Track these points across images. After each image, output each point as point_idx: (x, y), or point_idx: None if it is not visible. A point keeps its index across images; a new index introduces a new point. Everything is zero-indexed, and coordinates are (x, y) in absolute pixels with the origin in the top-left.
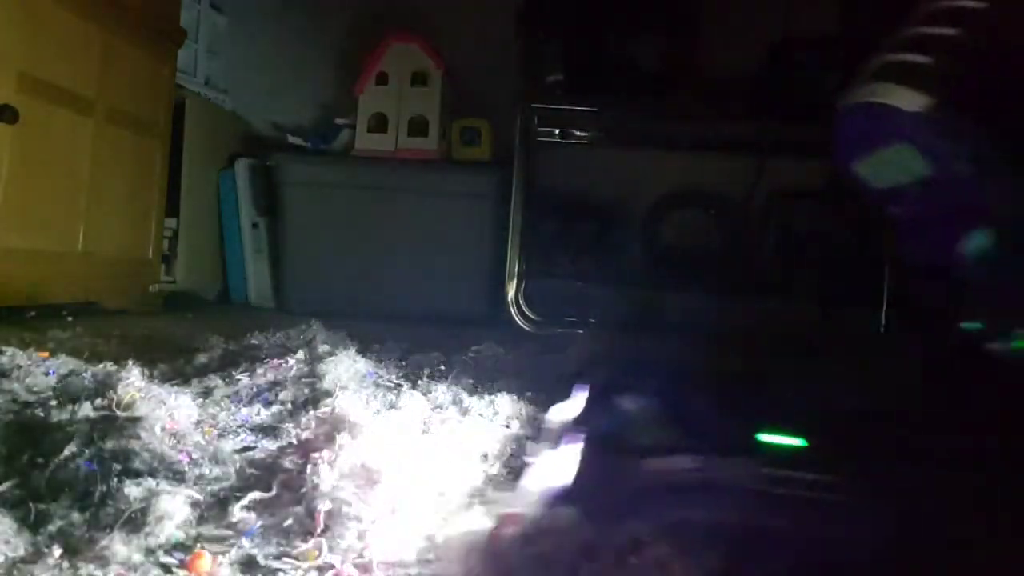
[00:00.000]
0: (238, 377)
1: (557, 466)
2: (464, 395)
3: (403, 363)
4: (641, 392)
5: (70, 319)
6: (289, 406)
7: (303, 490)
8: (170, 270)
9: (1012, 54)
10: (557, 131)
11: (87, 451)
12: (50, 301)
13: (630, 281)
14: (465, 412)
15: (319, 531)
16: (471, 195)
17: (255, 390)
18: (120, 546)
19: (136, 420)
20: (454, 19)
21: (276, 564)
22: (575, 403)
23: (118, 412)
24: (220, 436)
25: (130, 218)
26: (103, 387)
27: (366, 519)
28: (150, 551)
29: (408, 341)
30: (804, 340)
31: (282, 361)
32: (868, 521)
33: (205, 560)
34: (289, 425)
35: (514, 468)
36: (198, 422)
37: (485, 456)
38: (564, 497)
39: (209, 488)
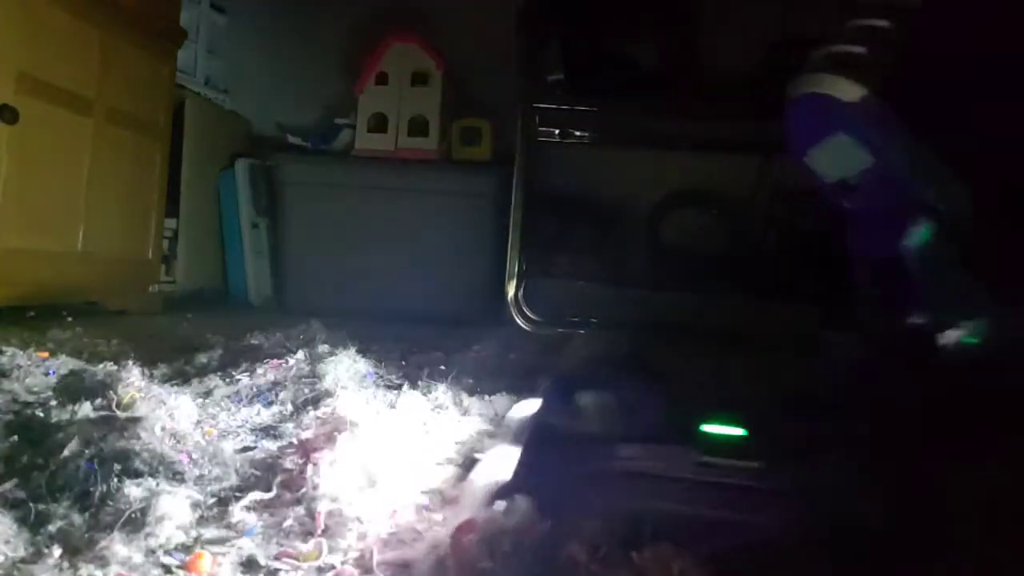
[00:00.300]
0: (238, 377)
1: (507, 460)
2: (464, 395)
3: (403, 363)
4: (595, 386)
5: (70, 319)
6: (289, 406)
7: (303, 490)
8: (170, 270)
9: (942, 47)
10: (557, 131)
11: (87, 451)
12: (50, 301)
13: (630, 281)
14: (465, 412)
15: (319, 531)
16: (471, 195)
17: (255, 390)
18: (120, 546)
19: (136, 420)
20: (454, 19)
21: (276, 564)
22: (535, 400)
23: (118, 412)
24: (220, 436)
25: (130, 218)
26: (103, 387)
27: (366, 519)
28: (150, 551)
29: (408, 341)
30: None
31: (282, 361)
32: (790, 507)
33: (205, 560)
34: (289, 425)
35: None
36: (198, 422)
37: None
38: (512, 489)
39: (209, 488)
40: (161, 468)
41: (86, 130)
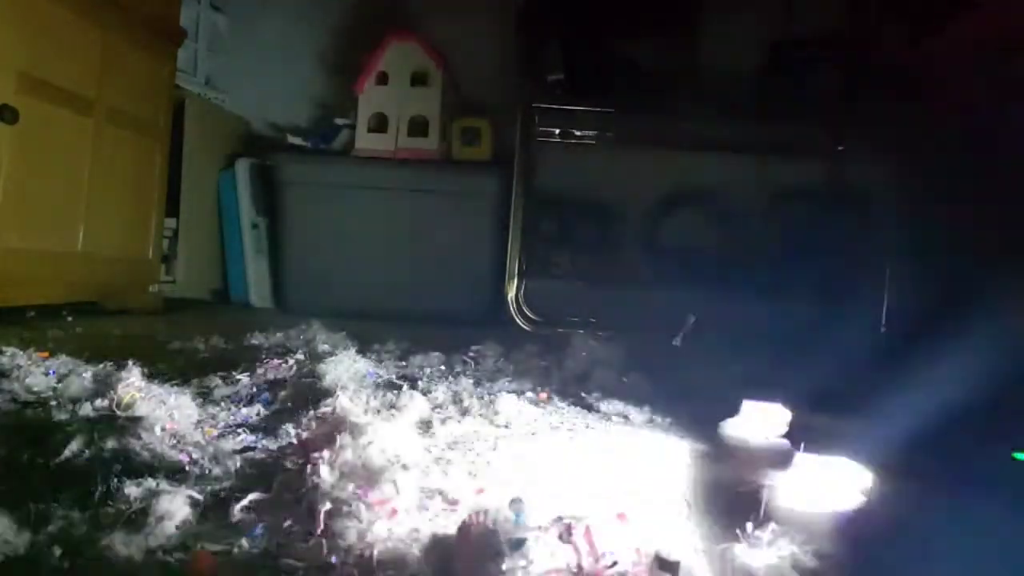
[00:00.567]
0: (238, 377)
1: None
2: (464, 395)
3: (403, 363)
4: None
5: (70, 319)
6: (289, 406)
7: (303, 490)
8: (170, 270)
9: None
10: (557, 131)
11: (87, 451)
12: (50, 301)
13: (630, 281)
14: (465, 412)
15: (319, 531)
16: (471, 195)
17: (255, 390)
18: (120, 546)
19: (136, 420)
20: (454, 19)
21: (276, 564)
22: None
23: (118, 412)
24: (220, 436)
25: (130, 218)
26: (103, 387)
27: (366, 519)
28: (150, 551)
29: (408, 341)
30: None
31: (282, 361)
32: None
33: (205, 560)
34: (289, 425)
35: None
36: (198, 422)
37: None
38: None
39: (209, 488)
40: (161, 468)
41: (86, 130)
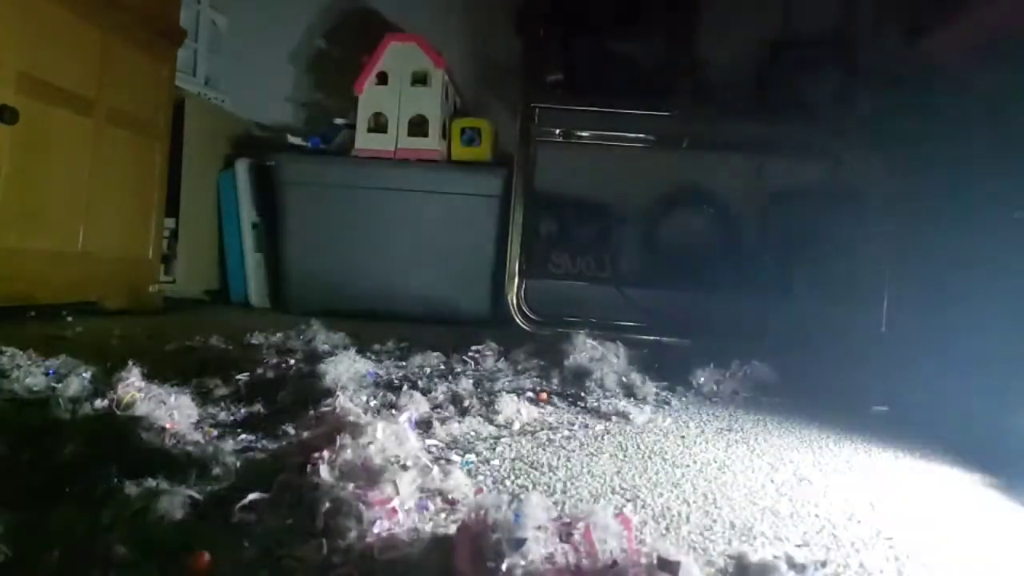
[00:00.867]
0: (238, 377)
1: None
2: (464, 395)
3: (403, 363)
4: None
5: (70, 319)
6: (289, 406)
7: (303, 490)
8: (170, 270)
9: None
10: (557, 131)
11: (87, 451)
12: (50, 301)
13: (630, 281)
14: (465, 412)
15: (319, 531)
16: (471, 195)
17: (255, 390)
18: (120, 546)
19: (136, 420)
20: (455, 19)
21: (276, 564)
22: None
23: (118, 412)
24: (220, 436)
25: (130, 218)
26: (103, 387)
27: (366, 519)
28: (150, 551)
29: (408, 341)
30: None
31: (282, 361)
32: None
33: (205, 560)
34: (289, 425)
35: None
36: (198, 422)
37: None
38: None
39: (209, 488)
40: (161, 468)
41: (86, 130)
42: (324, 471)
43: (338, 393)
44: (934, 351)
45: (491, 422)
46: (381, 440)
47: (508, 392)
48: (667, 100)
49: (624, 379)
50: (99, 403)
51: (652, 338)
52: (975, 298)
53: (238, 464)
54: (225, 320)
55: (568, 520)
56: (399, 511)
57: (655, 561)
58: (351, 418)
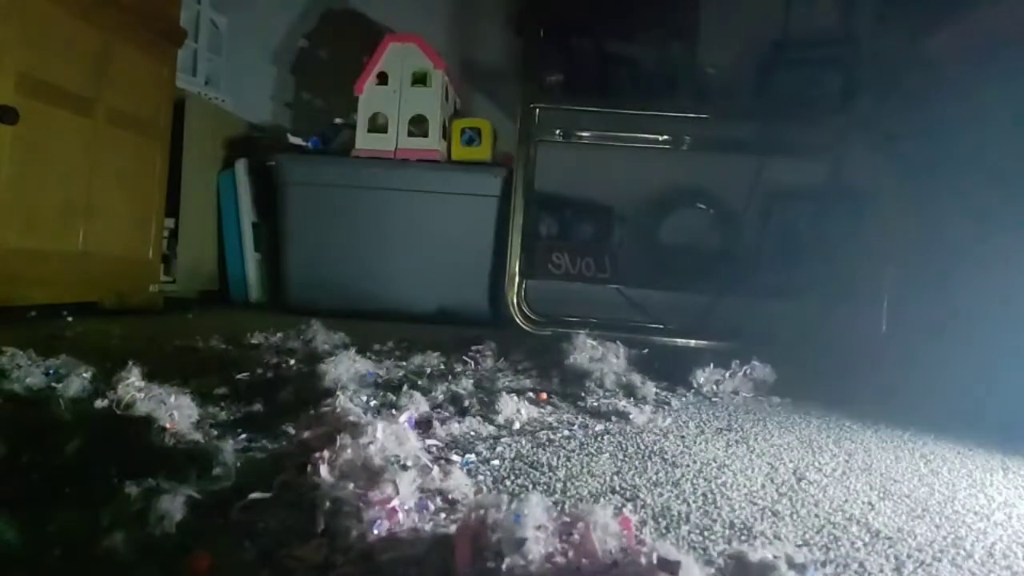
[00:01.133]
0: (238, 377)
1: None
2: (464, 395)
3: (403, 363)
4: None
5: (70, 319)
6: (289, 406)
7: (303, 490)
8: (170, 270)
9: None
10: (557, 131)
11: (87, 451)
12: (50, 301)
13: (630, 281)
14: (465, 412)
15: (319, 531)
16: (471, 195)
17: (255, 390)
18: (120, 546)
19: (136, 420)
20: (455, 19)
21: (276, 564)
22: None
23: (118, 412)
24: (220, 436)
25: (130, 218)
26: (103, 387)
27: (366, 519)
28: (150, 551)
29: (408, 341)
30: None
31: (282, 361)
32: None
33: (204, 560)
34: (289, 425)
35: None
36: (198, 422)
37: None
38: None
39: (209, 488)
40: (161, 468)
41: (86, 130)
42: (324, 471)
43: (338, 393)
44: (934, 351)
45: (491, 422)
46: (381, 440)
47: (508, 392)
48: (667, 100)
49: (624, 379)
50: (99, 403)
51: (652, 338)
52: (975, 298)
53: (238, 464)
54: (225, 320)
55: (568, 520)
56: (399, 511)
57: (655, 561)
58: (351, 418)
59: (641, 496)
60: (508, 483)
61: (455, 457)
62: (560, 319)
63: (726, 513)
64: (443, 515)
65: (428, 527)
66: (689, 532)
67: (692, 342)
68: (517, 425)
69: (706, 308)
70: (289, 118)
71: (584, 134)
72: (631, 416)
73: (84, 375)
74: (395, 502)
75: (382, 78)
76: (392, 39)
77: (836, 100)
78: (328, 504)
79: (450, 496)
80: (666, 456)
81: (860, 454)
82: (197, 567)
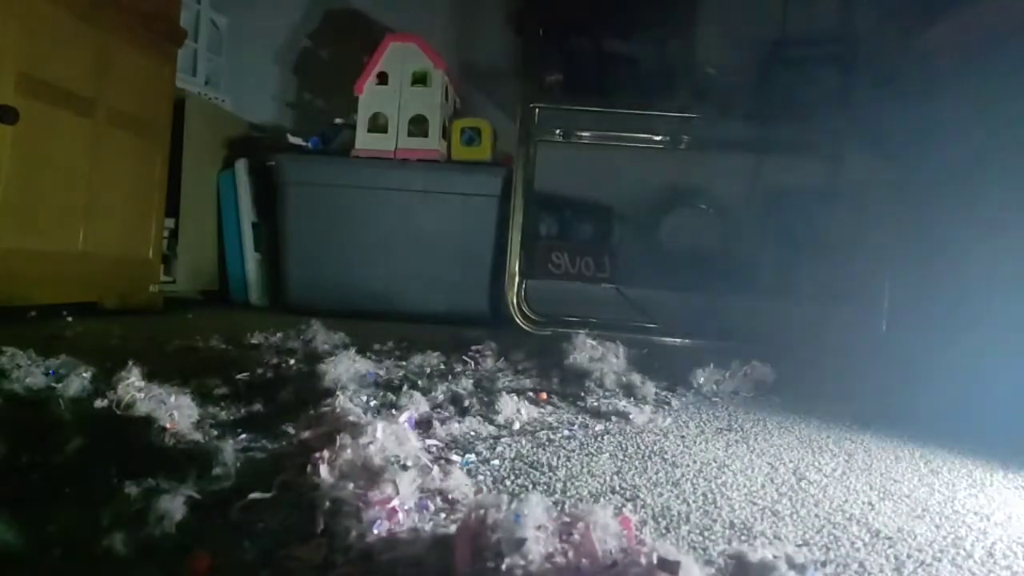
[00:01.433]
0: (238, 377)
1: None
2: (464, 395)
3: (403, 363)
4: None
5: (70, 319)
6: (289, 406)
7: (303, 490)
8: (170, 270)
9: None
10: (557, 131)
11: (87, 451)
12: (50, 301)
13: (630, 281)
14: (465, 412)
15: (319, 531)
16: (471, 195)
17: (255, 390)
18: (120, 546)
19: (136, 420)
20: (454, 19)
21: (276, 564)
22: None
23: (118, 412)
24: (220, 436)
25: (130, 218)
26: (103, 387)
27: (366, 519)
28: (150, 551)
29: (408, 341)
30: None
31: (282, 361)
32: None
33: (204, 560)
34: (289, 425)
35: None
36: (198, 422)
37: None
38: None
39: (209, 488)
40: (161, 468)
41: (86, 130)
42: (324, 471)
43: (338, 393)
44: (934, 351)
45: (491, 422)
46: (381, 440)
47: (508, 392)
48: (666, 100)
49: (624, 379)
50: (99, 403)
51: (652, 338)
52: (976, 297)
53: (238, 464)
54: (225, 320)
55: (568, 520)
56: (399, 511)
57: (655, 561)
58: (351, 418)
59: (641, 496)
60: (508, 483)
61: (455, 457)
62: (560, 319)
63: (726, 513)
64: (443, 515)
65: (428, 527)
66: (689, 532)
67: (692, 342)
68: (517, 425)
69: (706, 308)
70: (289, 118)
71: (584, 134)
72: (631, 416)
73: (84, 375)
74: (395, 502)
75: (382, 78)
76: (392, 39)
77: (835, 98)
78: (328, 504)
79: (450, 496)
80: (666, 456)
81: (860, 454)
82: (197, 567)
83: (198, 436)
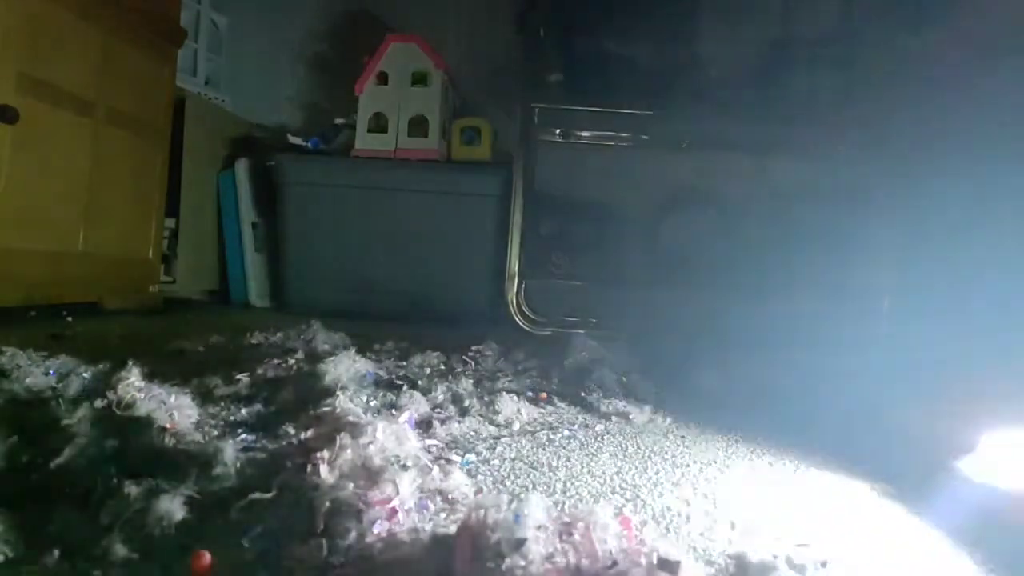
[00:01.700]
0: (238, 377)
1: None
2: (464, 395)
3: (403, 363)
4: None
5: (70, 319)
6: (289, 406)
7: (303, 490)
8: (170, 270)
9: None
10: (557, 131)
11: (87, 451)
12: (50, 301)
13: (630, 281)
14: (465, 412)
15: (319, 531)
16: (471, 195)
17: (255, 390)
18: (120, 546)
19: (136, 420)
20: (455, 19)
21: (276, 564)
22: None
23: (118, 412)
24: (220, 436)
25: (130, 218)
26: (103, 387)
27: (366, 519)
28: (150, 551)
29: (408, 341)
30: None
31: (282, 361)
32: None
33: (205, 560)
34: (289, 425)
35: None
36: (198, 422)
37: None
38: None
39: (209, 488)
40: (161, 468)
41: (86, 130)
42: (324, 471)
43: (338, 393)
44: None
45: (491, 422)
46: (381, 440)
47: (508, 392)
48: (667, 100)
49: (624, 379)
50: (99, 403)
51: (652, 338)
52: (976, 297)
53: (238, 464)
54: (225, 320)
55: (568, 520)
56: (399, 511)
57: (655, 561)
58: (351, 418)
59: (641, 496)
60: (508, 483)
61: (455, 457)
62: (560, 319)
63: (726, 513)
64: (443, 515)
65: (428, 527)
66: (689, 532)
67: (692, 342)
68: (517, 425)
69: (706, 308)
70: (289, 118)
71: (584, 134)
72: (631, 416)
73: (84, 375)
74: (395, 502)
75: (382, 78)
76: (393, 39)
77: (835, 98)
78: (328, 504)
79: (450, 496)
80: (666, 456)
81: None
82: (197, 567)
83: (198, 436)
